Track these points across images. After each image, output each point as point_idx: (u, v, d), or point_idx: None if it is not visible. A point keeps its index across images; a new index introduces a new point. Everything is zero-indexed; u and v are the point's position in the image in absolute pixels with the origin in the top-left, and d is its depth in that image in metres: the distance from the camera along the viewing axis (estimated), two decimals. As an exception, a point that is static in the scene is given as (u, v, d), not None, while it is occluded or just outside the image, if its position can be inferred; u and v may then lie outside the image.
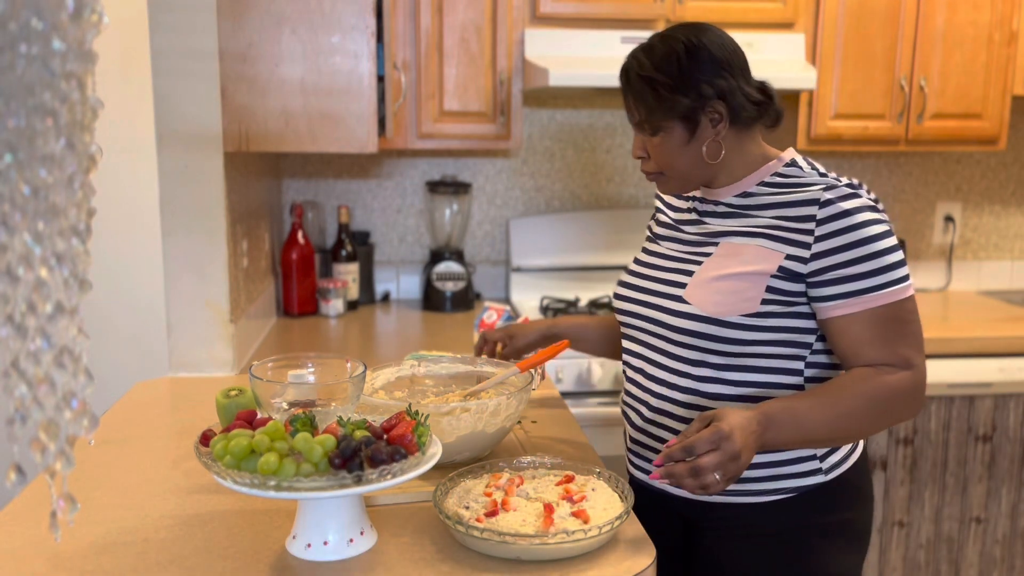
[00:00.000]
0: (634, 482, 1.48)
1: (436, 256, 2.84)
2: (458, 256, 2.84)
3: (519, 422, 1.61)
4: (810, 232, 1.27)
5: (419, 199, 2.95)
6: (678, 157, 1.35)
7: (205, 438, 1.14)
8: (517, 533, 1.11)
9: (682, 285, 1.36)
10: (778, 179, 1.36)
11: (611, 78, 2.44)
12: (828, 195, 1.28)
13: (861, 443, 1.44)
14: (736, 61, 1.34)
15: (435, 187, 2.84)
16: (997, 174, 3.19)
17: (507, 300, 2.93)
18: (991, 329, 2.61)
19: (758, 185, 1.37)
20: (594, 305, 2.76)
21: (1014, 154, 3.18)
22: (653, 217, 1.57)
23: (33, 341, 0.63)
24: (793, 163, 1.37)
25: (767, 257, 1.29)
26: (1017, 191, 3.21)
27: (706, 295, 1.32)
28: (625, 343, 1.48)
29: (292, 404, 1.21)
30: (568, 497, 1.22)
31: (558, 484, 1.27)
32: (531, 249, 2.90)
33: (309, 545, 1.12)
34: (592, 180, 3.01)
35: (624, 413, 1.49)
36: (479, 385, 1.52)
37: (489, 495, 1.24)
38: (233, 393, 1.40)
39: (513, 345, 1.66)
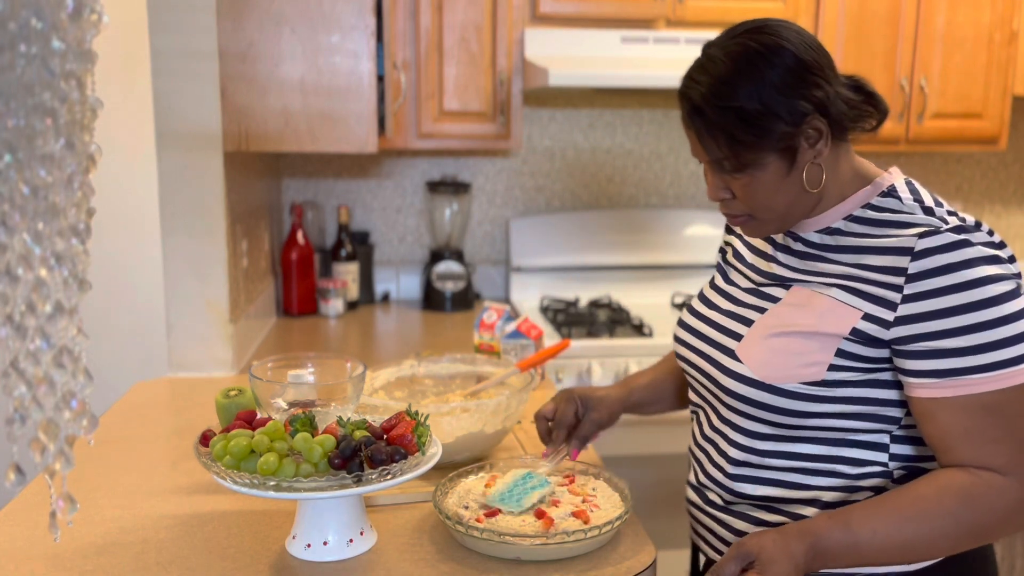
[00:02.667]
0: (694, 548, 1.32)
1: (436, 256, 2.84)
2: (458, 256, 2.84)
3: (519, 422, 1.61)
4: (898, 289, 1.01)
5: (419, 199, 2.95)
6: (775, 195, 1.08)
7: (205, 438, 1.14)
8: (517, 533, 1.10)
9: (739, 337, 1.14)
10: (870, 213, 1.09)
11: (611, 78, 2.47)
12: (925, 243, 1.01)
13: None
14: (824, 59, 1.08)
15: (435, 187, 2.84)
16: (997, 174, 3.19)
17: (507, 300, 2.93)
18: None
19: (846, 220, 1.10)
20: (594, 305, 2.76)
21: (1014, 154, 3.18)
22: (722, 249, 1.33)
23: (32, 341, 0.63)
24: (891, 192, 1.10)
25: (842, 315, 1.05)
26: (1017, 191, 3.21)
27: (762, 354, 1.09)
28: (690, 389, 1.29)
29: (292, 404, 1.21)
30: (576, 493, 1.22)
31: (561, 485, 1.27)
32: (531, 249, 2.90)
33: (309, 545, 1.12)
34: (592, 180, 3.01)
35: (689, 463, 1.29)
36: (479, 385, 1.52)
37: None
38: (233, 393, 1.40)
39: (591, 421, 1.35)
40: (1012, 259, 1.04)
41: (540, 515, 1.17)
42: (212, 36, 1.94)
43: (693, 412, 1.30)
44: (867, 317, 1.04)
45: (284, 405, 1.22)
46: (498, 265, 3.01)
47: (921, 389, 1.02)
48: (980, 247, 1.00)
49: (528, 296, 2.91)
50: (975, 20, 2.67)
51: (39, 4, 0.59)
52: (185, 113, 1.95)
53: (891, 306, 1.02)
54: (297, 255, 2.69)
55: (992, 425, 0.99)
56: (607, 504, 1.21)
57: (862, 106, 1.11)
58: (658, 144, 3.01)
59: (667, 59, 2.50)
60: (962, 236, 1.01)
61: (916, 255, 1.01)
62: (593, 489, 1.26)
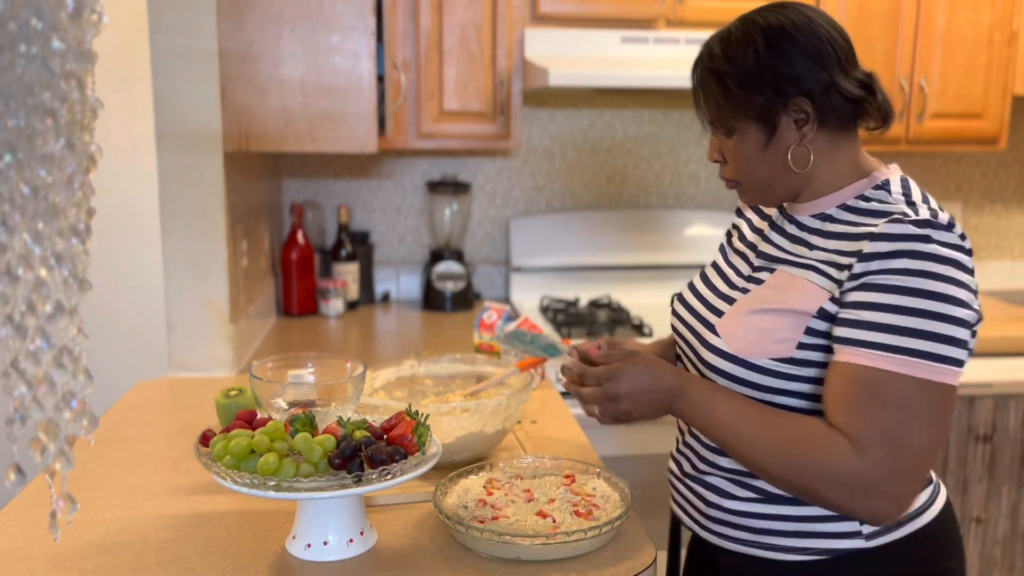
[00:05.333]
0: (674, 520, 1.39)
1: (436, 256, 2.84)
2: (458, 256, 2.84)
3: (519, 422, 1.61)
4: (850, 268, 1.06)
5: (419, 199, 2.95)
6: (755, 164, 1.15)
7: (205, 438, 1.14)
8: (517, 533, 1.11)
9: (721, 313, 1.20)
10: (860, 203, 1.13)
11: (611, 78, 2.47)
12: (886, 228, 1.04)
13: (932, 514, 1.17)
14: (830, 49, 1.11)
15: (435, 187, 2.84)
16: (997, 174, 3.19)
17: (507, 300, 2.93)
18: (991, 329, 2.61)
19: (839, 208, 1.14)
20: (594, 305, 2.76)
21: (1014, 154, 3.18)
22: (728, 232, 1.39)
23: (33, 341, 0.63)
24: (884, 185, 1.13)
25: (813, 295, 1.10)
26: (1017, 191, 3.21)
27: (738, 330, 1.15)
28: (677, 360, 1.37)
29: (292, 404, 1.21)
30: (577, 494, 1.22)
31: (561, 486, 1.27)
32: (531, 249, 2.90)
33: (309, 545, 1.12)
34: (592, 180, 3.01)
35: (676, 434, 1.36)
36: (479, 385, 1.52)
37: (490, 493, 1.24)
38: (233, 393, 1.40)
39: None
40: (972, 271, 1.05)
41: (542, 515, 1.17)
42: (212, 36, 1.94)
43: None
44: (832, 298, 1.08)
45: (284, 405, 1.22)
46: (498, 265, 3.01)
47: (835, 355, 1.07)
48: (938, 245, 1.02)
49: (528, 296, 2.91)
50: (975, 20, 2.67)
51: (39, 4, 0.59)
52: (185, 113, 1.95)
53: (841, 283, 1.07)
54: (297, 255, 2.69)
55: (865, 400, 1.02)
56: (607, 504, 1.22)
57: (862, 103, 1.13)
58: (658, 144, 3.01)
59: (667, 59, 2.50)
60: (925, 231, 1.02)
61: (874, 237, 1.04)
62: (593, 489, 1.26)
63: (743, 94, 1.11)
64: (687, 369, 1.28)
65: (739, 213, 1.38)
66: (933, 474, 1.22)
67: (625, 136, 3.00)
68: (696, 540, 1.32)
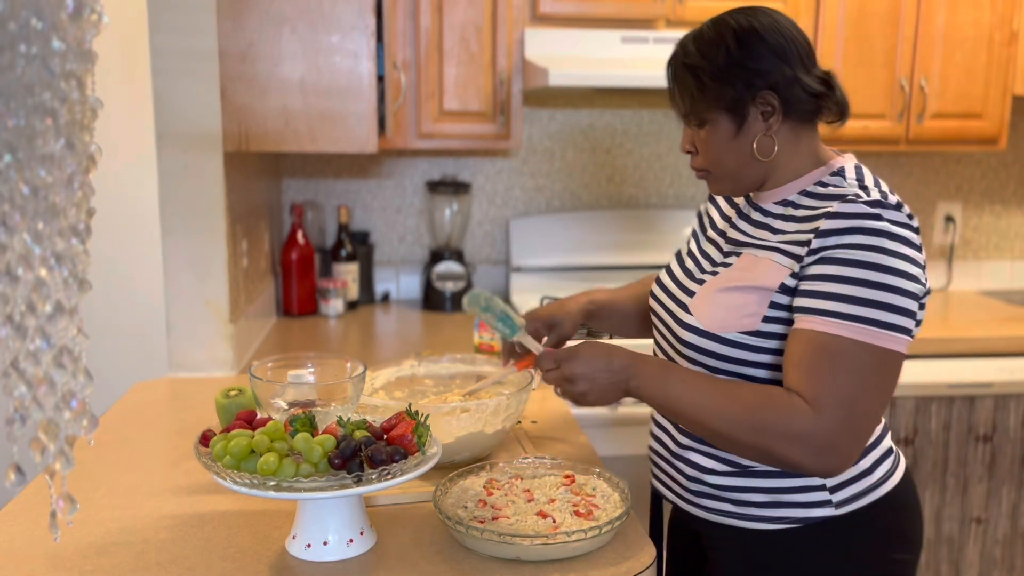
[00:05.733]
0: (655, 495, 1.44)
1: (436, 256, 2.84)
2: (458, 256, 2.84)
3: (519, 422, 1.61)
4: (808, 244, 1.15)
5: (419, 199, 2.95)
6: (726, 152, 1.24)
7: (205, 438, 1.14)
8: (517, 533, 1.11)
9: (692, 293, 1.29)
10: (819, 189, 1.22)
11: (611, 78, 2.47)
12: (840, 207, 1.13)
13: (894, 482, 1.27)
14: (794, 48, 1.20)
15: (435, 187, 2.84)
16: (997, 174, 3.19)
17: (507, 300, 2.93)
18: (991, 329, 2.61)
19: (799, 194, 1.24)
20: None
21: (1014, 154, 3.18)
22: (700, 215, 1.46)
23: (33, 341, 0.63)
24: (840, 172, 1.23)
25: (775, 273, 1.18)
26: (1017, 191, 3.21)
27: (708, 308, 1.24)
28: (654, 340, 1.42)
29: (292, 404, 1.21)
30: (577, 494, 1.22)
31: (561, 486, 1.27)
32: (531, 249, 2.90)
33: (309, 545, 1.12)
34: (592, 180, 3.01)
35: (652, 415, 1.43)
36: (477, 384, 1.52)
37: (490, 493, 1.24)
38: (233, 393, 1.40)
39: (558, 334, 1.50)
40: (920, 248, 1.14)
41: (542, 515, 1.17)
42: (212, 36, 1.94)
43: None
44: (792, 273, 1.17)
45: (284, 405, 1.22)
46: (498, 265, 3.01)
47: (795, 323, 1.14)
48: (888, 223, 1.11)
49: (528, 296, 2.91)
50: (975, 20, 2.67)
51: (39, 4, 0.59)
52: (185, 113, 1.95)
53: (801, 258, 1.16)
54: (297, 255, 2.69)
55: (823, 365, 1.10)
56: (607, 504, 1.22)
57: (822, 98, 1.22)
58: (658, 144, 3.01)
59: (667, 59, 2.50)
60: (876, 210, 1.12)
61: (830, 215, 1.13)
62: (593, 489, 1.26)
63: (716, 87, 1.20)
64: (663, 346, 1.36)
65: (710, 199, 1.45)
66: (893, 444, 1.32)
67: (625, 136, 3.00)
68: (677, 513, 1.41)
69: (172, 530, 1.20)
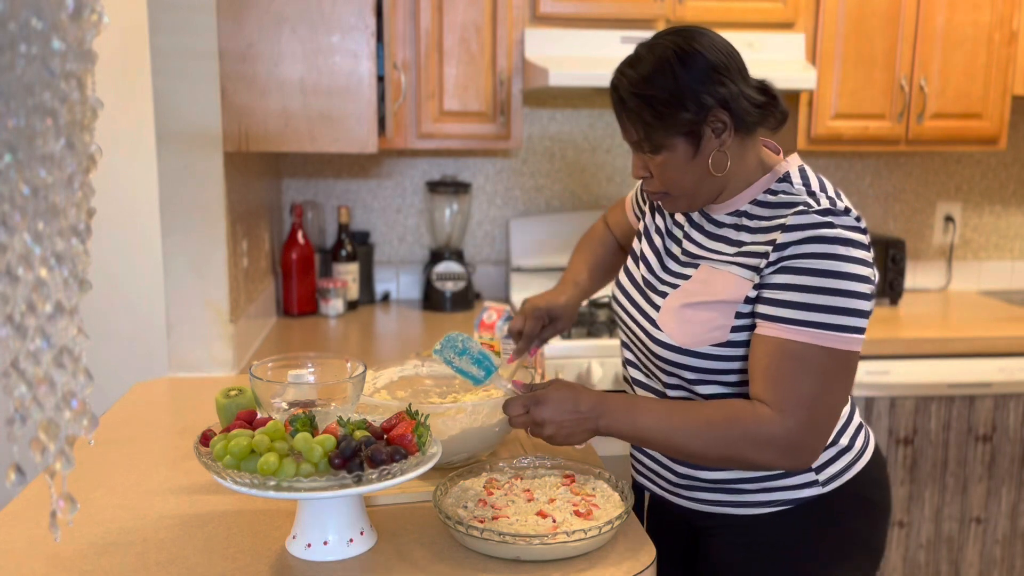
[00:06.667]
0: (636, 486, 1.48)
1: (436, 256, 2.84)
2: (458, 256, 2.84)
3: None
4: (767, 256, 1.20)
5: (419, 199, 2.95)
6: (684, 175, 1.25)
7: (205, 438, 1.14)
8: (517, 533, 1.11)
9: (658, 308, 1.32)
10: (769, 197, 1.26)
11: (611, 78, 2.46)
12: (794, 219, 1.18)
13: (868, 455, 1.36)
14: (733, 63, 1.23)
15: (435, 187, 2.84)
16: (997, 174, 3.19)
17: (507, 300, 2.93)
18: (991, 329, 2.61)
19: (751, 204, 1.27)
20: (594, 305, 2.76)
21: (1014, 154, 3.18)
22: (644, 209, 1.49)
23: (33, 341, 0.63)
24: (785, 178, 1.27)
25: (737, 286, 1.23)
26: (1017, 191, 3.21)
27: (677, 324, 1.27)
28: (621, 342, 1.47)
29: (292, 404, 1.21)
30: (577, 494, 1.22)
31: (561, 486, 1.27)
32: (531, 249, 2.90)
33: (309, 545, 1.12)
34: (592, 180, 3.01)
35: None
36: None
37: (490, 493, 1.24)
38: (233, 393, 1.40)
39: (555, 328, 1.57)
40: (869, 247, 1.19)
41: (542, 515, 1.17)
42: (212, 36, 1.94)
43: (624, 365, 1.46)
44: (754, 284, 1.21)
45: (284, 405, 1.22)
46: (498, 265, 3.01)
47: (757, 329, 1.20)
48: (841, 229, 1.16)
49: (528, 296, 2.90)
50: (975, 20, 2.67)
51: (39, 4, 0.59)
52: (185, 113, 1.95)
53: (760, 270, 1.20)
54: (297, 255, 2.69)
55: (787, 370, 1.16)
56: (607, 504, 1.22)
57: (765, 106, 1.25)
58: (658, 144, 3.01)
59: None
60: (827, 218, 1.17)
61: (786, 228, 1.19)
62: (593, 489, 1.26)
63: (671, 113, 1.20)
64: (636, 353, 1.40)
65: (654, 207, 1.45)
66: (862, 420, 1.39)
67: (625, 136, 3.00)
68: (659, 500, 1.44)
69: (172, 530, 1.20)
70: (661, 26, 2.56)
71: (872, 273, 1.19)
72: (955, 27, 2.66)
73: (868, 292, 1.17)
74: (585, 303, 2.77)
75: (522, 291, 2.90)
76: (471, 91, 2.53)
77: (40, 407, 0.64)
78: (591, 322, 2.55)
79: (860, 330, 1.17)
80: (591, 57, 2.51)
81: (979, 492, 2.57)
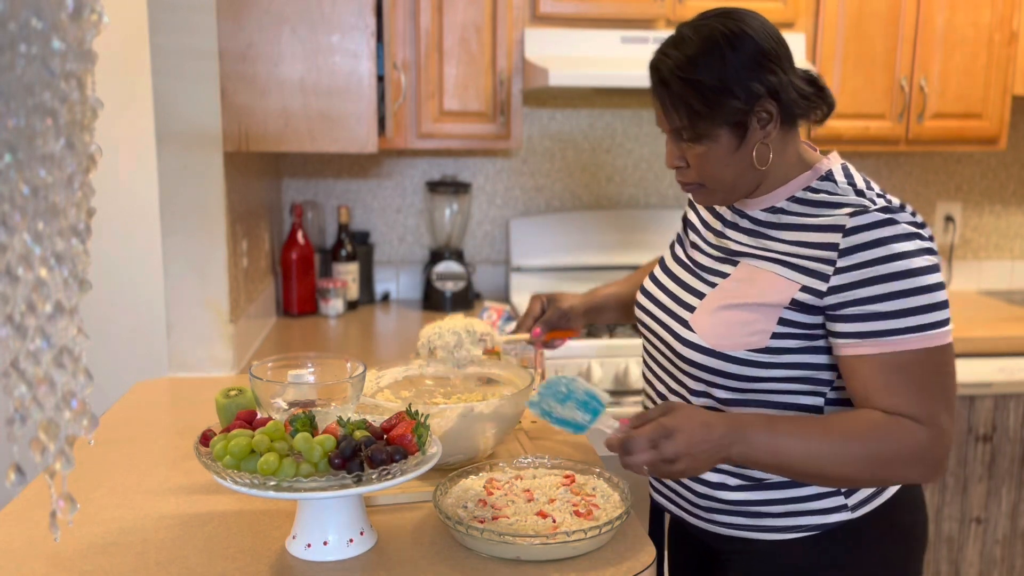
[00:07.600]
0: (655, 508, 1.43)
1: (436, 256, 2.84)
2: (458, 256, 2.84)
3: (519, 422, 1.61)
4: (831, 262, 1.12)
5: (419, 199, 2.95)
6: (725, 167, 1.17)
7: (205, 438, 1.14)
8: (517, 533, 1.10)
9: (692, 308, 1.24)
10: (809, 195, 1.19)
11: (611, 78, 2.47)
12: (855, 221, 1.11)
13: None
14: (782, 50, 1.15)
15: (435, 187, 2.84)
16: (997, 174, 3.19)
17: (507, 300, 2.93)
18: (991, 329, 2.61)
19: (788, 200, 1.20)
20: (594, 305, 2.76)
21: (1014, 154, 3.18)
22: (684, 219, 1.43)
23: (33, 341, 0.63)
24: (829, 176, 1.20)
25: (782, 288, 1.15)
26: (1017, 191, 3.21)
27: (712, 325, 1.20)
28: (644, 351, 1.41)
29: (292, 404, 1.21)
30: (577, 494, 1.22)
31: (561, 486, 1.27)
32: (531, 249, 2.90)
33: (309, 545, 1.12)
34: (592, 180, 3.01)
35: None
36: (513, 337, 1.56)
37: (490, 493, 1.24)
38: (233, 393, 1.40)
39: (563, 327, 1.58)
40: (931, 238, 1.15)
41: (542, 515, 1.17)
42: (212, 36, 1.94)
43: (645, 372, 1.40)
44: (804, 289, 1.14)
45: (284, 405, 1.22)
46: (498, 265, 3.01)
47: (848, 348, 1.13)
48: (904, 225, 1.11)
49: (528, 296, 2.91)
50: (975, 20, 2.67)
51: (39, 4, 0.59)
52: (185, 113, 1.95)
53: (824, 277, 1.13)
54: (297, 255, 2.69)
55: (906, 380, 1.10)
56: (607, 504, 1.22)
57: (813, 97, 1.19)
58: (658, 144, 3.01)
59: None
60: (888, 215, 1.11)
61: (847, 232, 1.11)
62: (593, 489, 1.26)
63: (718, 100, 1.13)
64: (659, 360, 1.32)
65: (690, 204, 1.41)
66: None
67: (625, 136, 3.00)
68: (681, 523, 1.36)
69: (172, 530, 1.20)
70: (661, 26, 2.56)
71: (939, 260, 1.15)
72: (955, 27, 2.66)
73: (942, 281, 1.13)
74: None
75: (522, 291, 2.90)
76: (471, 91, 2.53)
77: (40, 407, 0.64)
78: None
79: (947, 321, 1.13)
80: (591, 57, 2.51)
81: (979, 492, 2.57)
